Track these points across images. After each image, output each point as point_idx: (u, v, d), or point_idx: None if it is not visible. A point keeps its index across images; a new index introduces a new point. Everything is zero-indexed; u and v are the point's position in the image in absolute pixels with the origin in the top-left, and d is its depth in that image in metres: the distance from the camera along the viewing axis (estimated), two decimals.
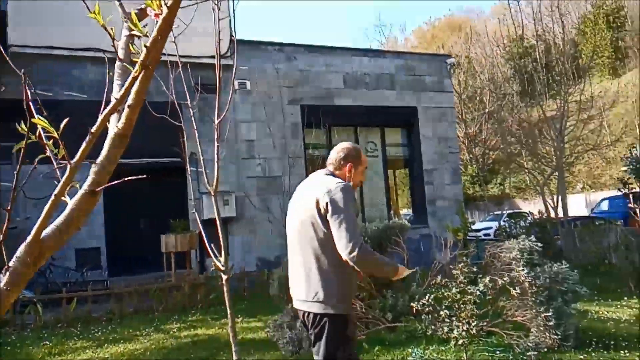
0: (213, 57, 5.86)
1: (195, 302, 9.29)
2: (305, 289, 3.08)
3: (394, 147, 14.40)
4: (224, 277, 3.76)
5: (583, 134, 17.01)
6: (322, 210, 2.99)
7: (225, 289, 3.81)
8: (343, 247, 2.89)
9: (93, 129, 1.39)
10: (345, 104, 13.17)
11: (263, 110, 12.32)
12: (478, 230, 20.25)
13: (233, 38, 11.42)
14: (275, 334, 5.68)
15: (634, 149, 15.87)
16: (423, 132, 14.05)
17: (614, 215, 16.78)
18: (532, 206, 20.88)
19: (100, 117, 1.41)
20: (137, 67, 1.37)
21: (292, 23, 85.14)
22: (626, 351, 5.82)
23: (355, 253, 2.86)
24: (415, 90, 14.10)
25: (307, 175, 11.63)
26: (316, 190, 3.08)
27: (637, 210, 7.96)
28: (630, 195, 9.27)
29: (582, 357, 5.61)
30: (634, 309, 8.00)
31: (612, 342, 6.14)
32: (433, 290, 4.55)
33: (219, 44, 3.47)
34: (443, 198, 13.99)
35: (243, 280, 10.35)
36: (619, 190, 10.69)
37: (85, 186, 1.43)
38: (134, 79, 1.39)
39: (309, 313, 3.04)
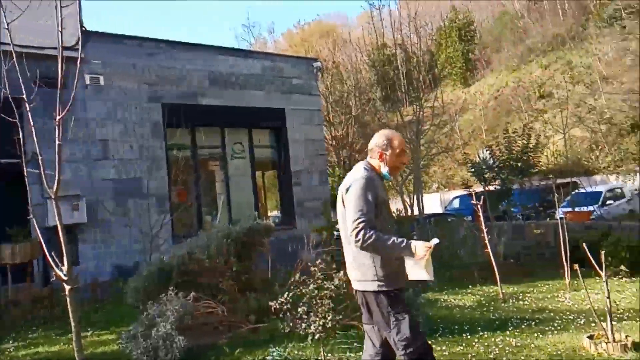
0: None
1: (37, 317, 8.48)
2: (351, 270, 3.50)
3: (263, 148, 14.47)
4: (67, 287, 3.59)
5: (437, 138, 18.26)
6: (346, 200, 3.36)
7: (69, 300, 3.63)
8: (351, 235, 3.22)
9: None
10: (210, 103, 12.97)
11: (119, 108, 11.68)
12: None
13: (82, 29, 10.87)
14: (129, 345, 5.45)
15: (480, 151, 17.38)
16: (291, 134, 14.25)
17: (464, 211, 18.17)
18: (393, 205, 22.01)
19: None
20: None
21: (160, 20, 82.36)
22: (468, 334, 6.38)
23: (358, 242, 3.18)
24: (283, 92, 14.28)
25: (169, 178, 11.30)
26: (346, 180, 3.47)
27: (479, 206, 8.73)
28: (473, 193, 10.15)
29: (430, 341, 6.05)
30: (477, 296, 8.77)
31: (457, 327, 6.69)
32: (292, 288, 4.67)
33: (62, 32, 3.29)
34: (311, 199, 14.30)
35: (95, 291, 9.80)
36: (464, 189, 11.71)
37: None
38: None
39: (357, 291, 3.49)
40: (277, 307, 4.45)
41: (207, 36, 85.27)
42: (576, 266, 6.43)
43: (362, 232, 3.18)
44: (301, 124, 14.41)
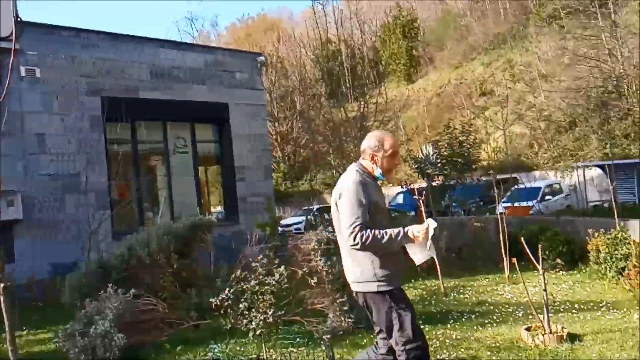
0: None
1: None
2: (349, 272, 3.53)
3: (205, 143, 14.25)
4: (0, 285, 3.42)
5: None
6: (340, 207, 3.40)
7: (2, 298, 3.46)
8: (347, 239, 3.27)
9: None
10: (152, 97, 12.65)
11: (56, 101, 11.22)
12: (289, 225, 20.94)
13: (17, 19, 10.40)
14: (66, 343, 5.26)
15: (423, 147, 17.68)
16: (235, 129, 14.08)
17: (407, 207, 18.48)
18: None
19: None
20: None
21: (101, 12, 79.87)
22: None
23: (357, 246, 3.25)
24: (227, 86, 14.08)
25: (109, 173, 10.93)
26: (338, 185, 3.51)
27: (421, 202, 8.88)
28: (416, 189, 10.31)
29: (372, 336, 6.09)
30: (419, 290, 8.90)
31: None
32: (233, 284, 4.59)
33: None
34: (255, 194, 14.18)
35: (32, 289, 9.44)
36: (404, 186, 11.89)
37: None
38: None
39: (357, 292, 3.52)
40: (218, 303, 4.36)
41: (149, 29, 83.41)
42: (514, 260, 6.61)
43: (358, 235, 3.24)
44: (245, 119, 14.26)
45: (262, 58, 15.38)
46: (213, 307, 4.41)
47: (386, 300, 3.39)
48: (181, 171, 13.41)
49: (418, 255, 3.42)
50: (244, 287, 4.42)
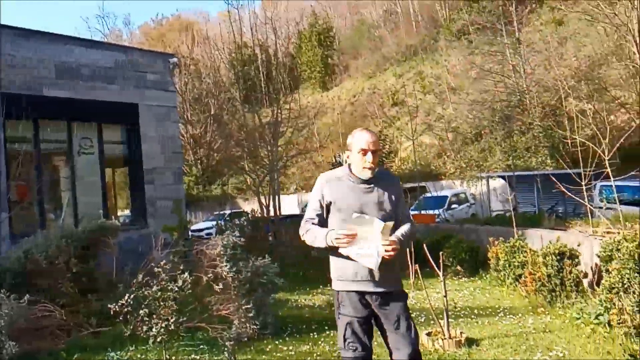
0: None
1: None
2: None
3: (113, 144, 13.70)
4: None
5: (296, 140, 18.57)
6: None
7: None
8: None
9: None
10: (56, 95, 12.03)
11: None
12: (201, 230, 20.56)
13: None
14: None
15: (336, 155, 17.98)
16: (145, 130, 13.64)
17: None
18: (251, 205, 22.03)
19: None
20: None
21: (7, 7, 75.04)
22: (315, 333, 6.52)
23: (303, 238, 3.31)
24: (137, 87, 13.63)
25: (7, 173, 10.22)
26: None
27: None
28: None
29: (277, 342, 6.11)
30: (327, 295, 9.00)
31: (305, 326, 6.82)
32: (135, 290, 4.46)
33: None
34: (165, 198, 13.80)
35: None
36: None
37: None
38: None
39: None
40: (117, 309, 4.21)
41: (57, 25, 79.43)
42: (417, 267, 6.84)
43: (302, 232, 3.33)
44: (156, 121, 13.86)
45: (175, 59, 15.06)
46: (112, 313, 4.26)
47: (336, 300, 3.37)
48: (87, 172, 12.82)
49: (363, 258, 3.14)
50: (146, 292, 4.30)
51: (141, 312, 4.22)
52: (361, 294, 3.28)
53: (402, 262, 3.49)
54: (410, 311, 7.30)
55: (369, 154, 3.27)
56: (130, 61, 13.72)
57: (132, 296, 4.29)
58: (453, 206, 20.54)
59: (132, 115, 13.45)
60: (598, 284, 6.41)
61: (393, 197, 3.33)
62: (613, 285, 4.93)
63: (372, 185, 3.31)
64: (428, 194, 21.12)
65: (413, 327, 3.38)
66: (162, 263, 4.45)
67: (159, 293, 4.27)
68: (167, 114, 14.26)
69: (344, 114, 33.00)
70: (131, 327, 4.37)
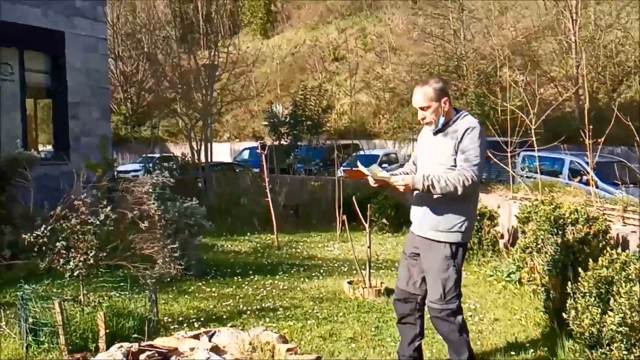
0: None
1: None
2: None
3: (36, 73, 12.86)
4: None
5: (232, 87, 18.16)
6: None
7: None
8: None
9: None
10: None
11: None
12: (128, 172, 19.98)
13: None
14: None
15: (273, 105, 17.78)
16: (71, 60, 12.88)
17: (252, 163, 18.53)
18: (182, 150, 21.59)
19: None
20: None
21: None
22: (239, 277, 6.54)
23: None
24: (65, 13, 12.77)
25: None
26: None
27: (264, 156, 8.97)
28: (259, 144, 10.41)
29: (200, 284, 6.09)
30: (254, 243, 9.03)
31: (230, 270, 6.83)
32: (52, 222, 4.26)
33: None
34: (89, 134, 13.21)
35: None
36: (256, 140, 11.95)
37: None
38: None
39: None
40: (32, 240, 4.02)
41: None
42: (344, 217, 6.94)
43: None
44: (83, 52, 13.11)
45: None
46: (27, 244, 4.06)
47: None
48: (5, 100, 12.06)
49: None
50: (64, 225, 4.12)
51: (58, 244, 4.05)
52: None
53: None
54: (335, 261, 7.50)
55: (419, 112, 3.54)
56: None
57: (48, 228, 4.09)
58: (383, 165, 20.87)
59: (58, 44, 12.64)
60: (513, 245, 6.73)
61: (449, 147, 3.46)
62: (527, 245, 5.17)
63: (437, 135, 3.56)
64: (361, 152, 21.36)
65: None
66: (82, 196, 4.26)
67: (78, 226, 4.10)
68: (96, 46, 13.51)
69: (284, 64, 32.50)
70: (48, 261, 4.18)
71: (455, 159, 3.42)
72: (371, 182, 3.58)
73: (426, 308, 3.60)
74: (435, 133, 3.55)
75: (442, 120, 3.49)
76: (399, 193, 3.68)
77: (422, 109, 3.50)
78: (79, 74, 13.00)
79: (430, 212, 3.49)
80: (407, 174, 3.70)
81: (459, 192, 3.32)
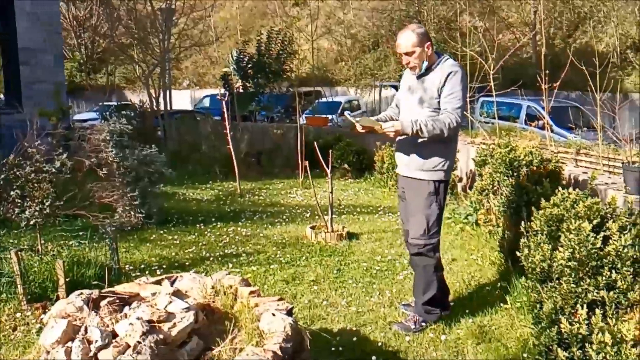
0: None
1: None
2: None
3: None
4: None
5: (190, 32, 17.65)
6: None
7: None
8: None
9: None
10: None
11: None
12: (84, 121, 19.47)
13: None
14: None
15: (234, 51, 17.41)
16: (20, 4, 12.31)
17: (213, 111, 18.24)
18: (140, 98, 21.11)
19: None
20: None
21: None
22: (202, 224, 6.54)
23: None
24: None
25: None
26: None
27: (224, 103, 8.85)
28: (220, 91, 10.25)
29: (162, 232, 6.07)
30: (216, 190, 9.00)
31: (191, 218, 6.81)
32: (5, 170, 4.14)
33: None
34: (43, 81, 12.73)
35: None
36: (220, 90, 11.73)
37: None
38: None
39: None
40: None
41: None
42: (307, 164, 6.96)
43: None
44: None
45: None
46: None
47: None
48: None
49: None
50: (18, 173, 4.01)
51: (12, 193, 3.95)
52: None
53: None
54: (297, 207, 7.56)
55: (403, 57, 3.58)
56: None
57: (1, 177, 3.99)
58: (346, 112, 20.81)
59: None
60: (471, 188, 6.89)
61: (432, 91, 3.52)
62: (484, 188, 5.30)
63: (421, 79, 3.60)
64: (323, 99, 21.24)
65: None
66: (36, 144, 4.15)
67: (33, 175, 4.00)
68: None
69: (243, 9, 31.62)
70: (2, 210, 4.09)
71: (438, 102, 3.51)
72: (358, 128, 3.63)
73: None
74: (419, 77, 3.61)
75: (425, 64, 3.55)
76: (387, 138, 3.73)
77: (406, 54, 3.56)
78: (29, 18, 12.44)
79: (415, 154, 3.61)
80: (392, 118, 3.84)
81: (445, 135, 3.44)
